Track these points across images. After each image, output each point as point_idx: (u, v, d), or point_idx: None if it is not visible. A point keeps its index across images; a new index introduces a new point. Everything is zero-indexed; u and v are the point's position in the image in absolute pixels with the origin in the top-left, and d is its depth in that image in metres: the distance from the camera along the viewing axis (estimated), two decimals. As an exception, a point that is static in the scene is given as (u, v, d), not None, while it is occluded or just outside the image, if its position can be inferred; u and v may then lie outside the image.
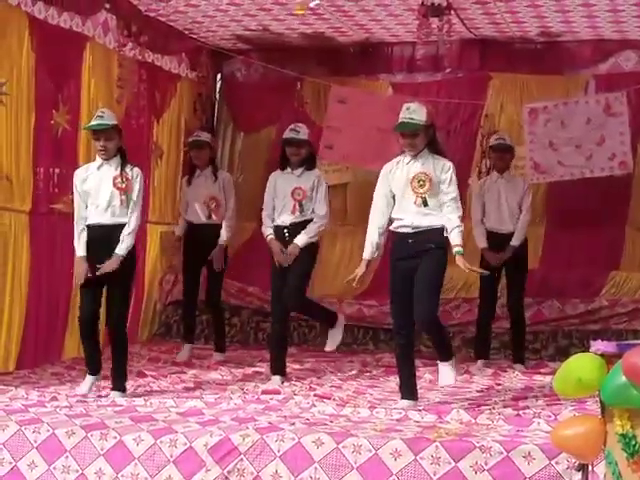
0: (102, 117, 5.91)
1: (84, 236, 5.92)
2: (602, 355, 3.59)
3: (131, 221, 5.88)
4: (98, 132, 5.90)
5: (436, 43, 8.70)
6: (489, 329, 7.48)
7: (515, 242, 7.34)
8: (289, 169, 6.61)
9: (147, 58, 8.26)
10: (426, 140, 5.56)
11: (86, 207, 5.93)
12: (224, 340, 7.82)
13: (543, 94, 8.79)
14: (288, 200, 6.53)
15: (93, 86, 7.47)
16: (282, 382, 6.48)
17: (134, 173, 5.94)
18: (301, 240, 6.48)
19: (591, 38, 8.63)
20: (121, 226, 5.88)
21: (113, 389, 5.93)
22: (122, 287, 5.95)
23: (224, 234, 7.51)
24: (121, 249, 5.83)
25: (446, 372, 5.68)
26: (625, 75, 8.70)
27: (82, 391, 5.94)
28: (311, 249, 6.60)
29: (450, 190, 5.54)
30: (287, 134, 6.61)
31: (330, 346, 6.69)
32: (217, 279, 7.67)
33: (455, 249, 5.55)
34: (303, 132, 6.58)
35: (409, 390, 5.66)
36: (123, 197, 5.86)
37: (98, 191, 5.89)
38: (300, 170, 6.58)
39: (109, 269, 5.78)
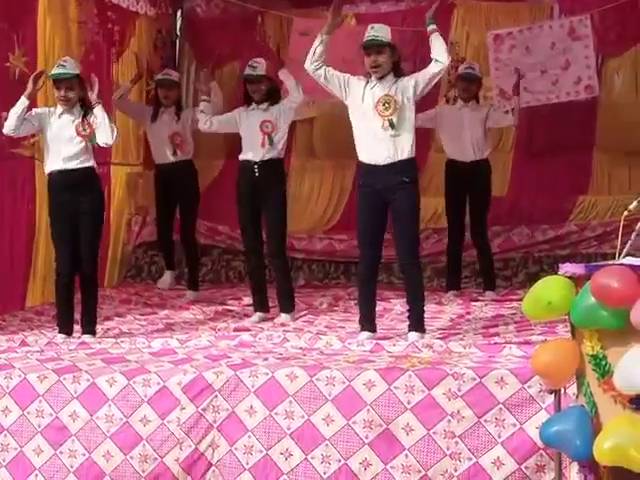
0: (64, 66, 5.80)
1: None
2: (571, 277, 3.60)
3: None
4: (59, 81, 5.78)
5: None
6: (459, 258, 7.49)
7: (514, 122, 7.48)
8: (254, 105, 6.54)
9: (104, -5, 8.07)
10: (391, 62, 5.50)
11: (38, 124, 5.81)
12: (197, 278, 7.81)
13: (508, 21, 8.68)
14: (257, 133, 6.44)
15: (49, 26, 7.28)
16: (263, 319, 6.44)
17: (96, 113, 5.82)
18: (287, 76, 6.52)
19: (554, -39, 8.53)
20: (86, 169, 5.81)
21: (84, 333, 5.89)
22: (93, 230, 5.91)
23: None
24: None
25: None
26: (589, -2, 8.61)
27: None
28: (281, 186, 6.57)
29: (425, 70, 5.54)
30: (245, 71, 6.55)
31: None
32: (190, 216, 7.68)
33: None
34: (261, 67, 6.48)
35: (370, 322, 5.64)
36: (88, 143, 5.79)
37: (60, 139, 5.79)
38: (265, 105, 6.51)
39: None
